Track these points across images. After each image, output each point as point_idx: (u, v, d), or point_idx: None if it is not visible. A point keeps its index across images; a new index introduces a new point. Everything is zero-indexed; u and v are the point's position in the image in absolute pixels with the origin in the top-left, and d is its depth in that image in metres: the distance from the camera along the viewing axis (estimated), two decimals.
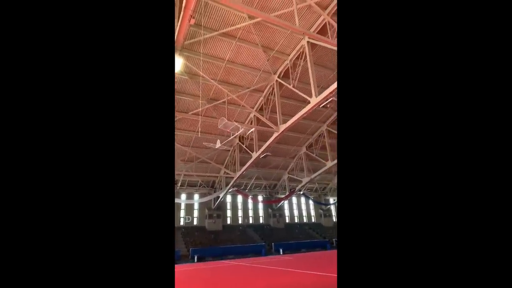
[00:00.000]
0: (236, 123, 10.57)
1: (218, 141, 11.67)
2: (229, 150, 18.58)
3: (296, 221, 26.39)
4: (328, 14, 9.60)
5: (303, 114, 10.68)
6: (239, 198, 23.97)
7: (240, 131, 10.72)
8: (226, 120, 10.03)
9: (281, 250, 19.88)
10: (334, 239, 23.33)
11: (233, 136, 12.22)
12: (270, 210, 24.96)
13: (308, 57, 10.46)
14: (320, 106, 10.27)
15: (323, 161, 18.15)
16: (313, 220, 27.13)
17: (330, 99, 9.82)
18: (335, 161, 17.43)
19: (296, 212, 26.68)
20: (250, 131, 11.37)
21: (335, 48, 8.51)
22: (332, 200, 27.98)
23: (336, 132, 17.00)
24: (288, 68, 12.57)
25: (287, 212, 26.02)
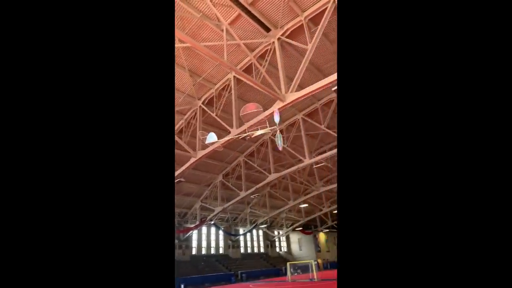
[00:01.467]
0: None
1: (212, 133, 10.19)
2: None
3: (203, 252, 25.05)
4: (254, 57, 10.57)
5: (223, 143, 10.85)
6: None
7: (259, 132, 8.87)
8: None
9: (182, 286, 18.22)
10: (239, 272, 23.09)
11: (241, 135, 10.64)
12: (176, 241, 23.00)
13: (233, 90, 11.02)
14: (240, 137, 10.72)
15: (238, 190, 18.47)
16: (220, 252, 26.38)
17: (248, 133, 10.40)
18: (249, 191, 18.02)
19: (204, 243, 25.45)
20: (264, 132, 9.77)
21: (257, 88, 9.30)
22: (242, 230, 28.19)
23: (252, 163, 17.86)
24: (213, 97, 12.82)
25: (194, 243, 24.51)
